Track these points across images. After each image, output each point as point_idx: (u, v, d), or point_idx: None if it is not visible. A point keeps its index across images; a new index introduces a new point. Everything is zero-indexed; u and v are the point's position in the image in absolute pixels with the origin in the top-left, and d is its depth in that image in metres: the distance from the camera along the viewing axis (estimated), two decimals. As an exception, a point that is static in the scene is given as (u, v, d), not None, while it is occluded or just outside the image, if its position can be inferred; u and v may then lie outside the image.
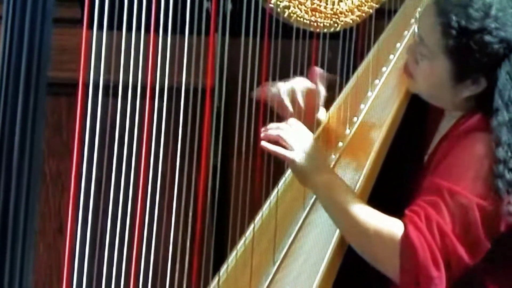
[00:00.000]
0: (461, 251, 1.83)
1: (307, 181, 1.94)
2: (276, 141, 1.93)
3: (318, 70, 2.14)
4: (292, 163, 1.93)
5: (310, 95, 2.14)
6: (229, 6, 1.94)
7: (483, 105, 1.93)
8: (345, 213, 1.87)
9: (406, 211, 1.85)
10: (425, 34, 1.96)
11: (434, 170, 1.93)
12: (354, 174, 2.06)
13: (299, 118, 2.06)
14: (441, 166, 1.91)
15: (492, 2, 1.91)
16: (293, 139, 1.92)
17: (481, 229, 1.84)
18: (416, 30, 2.01)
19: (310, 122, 2.12)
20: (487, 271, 1.92)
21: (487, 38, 1.89)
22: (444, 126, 2.04)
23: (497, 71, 1.90)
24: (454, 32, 1.89)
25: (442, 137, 2.02)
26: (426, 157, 2.04)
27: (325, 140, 2.19)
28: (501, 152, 1.86)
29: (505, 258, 1.94)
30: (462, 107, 1.98)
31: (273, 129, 1.94)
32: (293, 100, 2.13)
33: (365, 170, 2.05)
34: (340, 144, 2.17)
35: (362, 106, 2.24)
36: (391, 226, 1.83)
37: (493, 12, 1.89)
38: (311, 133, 1.98)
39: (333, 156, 2.14)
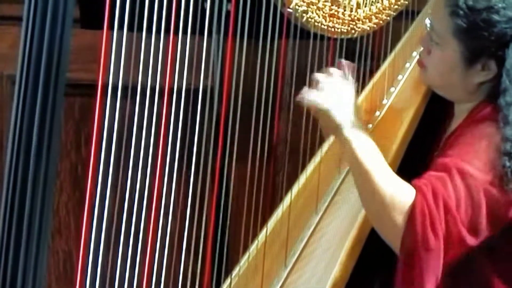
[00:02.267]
0: (462, 229, 1.83)
1: (337, 133, 1.94)
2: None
3: (344, 62, 2.15)
4: (325, 112, 1.93)
5: None
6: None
7: (495, 94, 1.94)
8: (367, 174, 1.86)
9: (415, 182, 1.85)
10: (435, 20, 1.99)
11: (445, 153, 1.94)
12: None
13: None
14: (453, 149, 1.92)
15: None
16: (330, 90, 1.93)
17: (485, 214, 1.85)
18: (427, 21, 2.03)
19: None
20: (487, 259, 1.92)
21: (494, 17, 1.91)
22: (454, 122, 2.06)
23: (505, 52, 1.92)
24: (461, 12, 1.92)
25: (451, 132, 2.03)
26: (436, 153, 2.05)
27: None
28: (509, 131, 1.88)
29: (506, 248, 1.94)
30: (474, 96, 2.00)
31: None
32: None
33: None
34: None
35: (377, 113, 2.25)
36: (406, 194, 1.83)
37: None
38: (350, 87, 1.97)
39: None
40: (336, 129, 1.94)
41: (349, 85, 1.97)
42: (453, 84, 2.01)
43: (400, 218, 1.83)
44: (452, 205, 1.83)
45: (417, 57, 2.17)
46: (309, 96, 1.93)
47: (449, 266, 1.85)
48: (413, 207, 1.82)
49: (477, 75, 1.97)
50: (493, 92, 1.96)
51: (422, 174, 1.89)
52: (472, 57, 1.95)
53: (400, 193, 1.84)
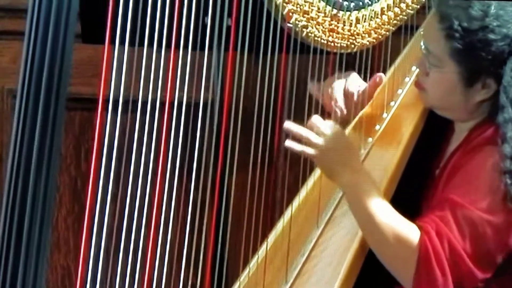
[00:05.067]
0: (472, 266, 1.84)
1: (332, 178, 1.95)
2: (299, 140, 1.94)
3: (382, 77, 2.16)
4: (316, 160, 1.94)
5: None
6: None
7: (495, 112, 1.95)
8: (368, 215, 1.88)
9: (419, 222, 1.87)
10: (431, 43, 1.99)
11: (447, 184, 1.94)
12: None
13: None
14: (454, 181, 1.93)
15: (491, 1, 1.94)
16: (318, 136, 1.93)
17: (492, 245, 1.86)
18: (422, 44, 2.03)
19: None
20: (493, 280, 1.92)
21: (490, 36, 1.91)
22: (455, 140, 2.06)
23: (503, 69, 1.92)
24: (457, 34, 1.92)
25: (453, 150, 2.03)
26: (437, 171, 2.05)
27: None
28: (507, 148, 1.88)
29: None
30: (474, 115, 2.00)
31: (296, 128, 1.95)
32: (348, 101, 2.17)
33: (384, 185, 2.06)
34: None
35: (377, 127, 2.25)
36: (410, 235, 1.84)
37: (492, 10, 1.93)
38: (339, 128, 1.98)
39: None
40: (330, 177, 1.96)
41: (334, 127, 1.96)
42: (454, 104, 2.01)
43: (406, 259, 1.84)
44: (458, 245, 1.84)
45: (417, 71, 2.18)
46: (295, 147, 1.93)
47: None
48: (419, 248, 1.83)
49: (477, 94, 1.97)
50: (493, 110, 1.96)
51: (425, 213, 1.91)
52: (471, 77, 1.95)
53: (404, 234, 1.85)
